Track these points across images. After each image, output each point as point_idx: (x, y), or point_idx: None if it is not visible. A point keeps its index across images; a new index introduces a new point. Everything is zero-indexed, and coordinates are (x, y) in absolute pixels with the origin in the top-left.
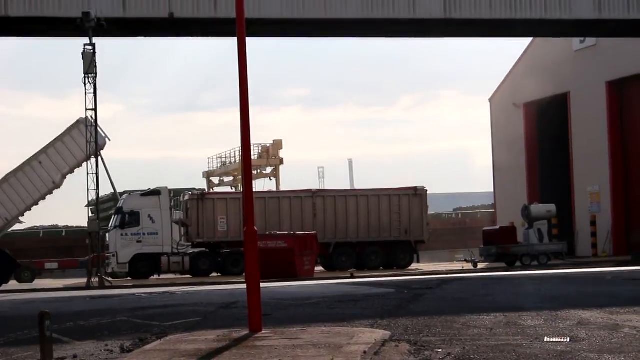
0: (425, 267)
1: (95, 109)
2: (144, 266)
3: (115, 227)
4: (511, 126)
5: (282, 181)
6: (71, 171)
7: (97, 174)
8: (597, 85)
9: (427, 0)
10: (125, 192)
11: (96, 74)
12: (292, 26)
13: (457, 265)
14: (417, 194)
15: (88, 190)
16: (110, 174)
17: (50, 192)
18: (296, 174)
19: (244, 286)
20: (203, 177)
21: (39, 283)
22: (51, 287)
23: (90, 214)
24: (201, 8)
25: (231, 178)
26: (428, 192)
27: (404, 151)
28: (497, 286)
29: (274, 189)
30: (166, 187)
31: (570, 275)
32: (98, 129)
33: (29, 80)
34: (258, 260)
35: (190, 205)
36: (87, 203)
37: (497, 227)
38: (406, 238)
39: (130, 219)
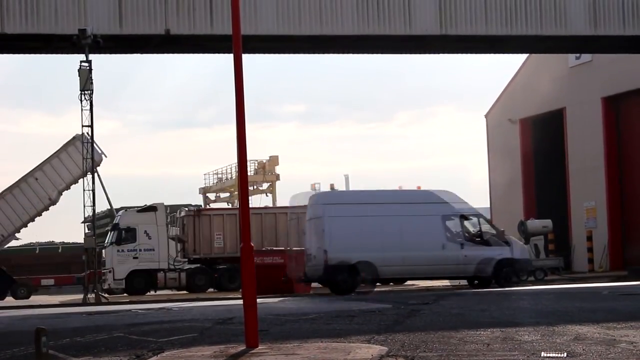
0: (422, 283)
1: (91, 126)
2: (141, 282)
3: (111, 243)
4: (507, 142)
5: (278, 197)
6: (67, 187)
7: (93, 190)
8: (593, 101)
9: (422, 16)
10: (121, 208)
11: (92, 90)
12: (288, 42)
13: (454, 281)
14: None
15: (84, 206)
16: (107, 190)
17: (47, 209)
18: (292, 190)
19: (241, 302)
20: (199, 193)
21: (35, 299)
22: (47, 303)
23: (87, 230)
24: (197, 24)
25: (227, 194)
26: None
27: (400, 167)
28: (494, 301)
29: (271, 205)
30: (162, 203)
31: (567, 291)
32: (94, 145)
33: (25, 97)
34: (254, 276)
35: (187, 221)
36: (83, 219)
37: None
38: None
39: (126, 235)
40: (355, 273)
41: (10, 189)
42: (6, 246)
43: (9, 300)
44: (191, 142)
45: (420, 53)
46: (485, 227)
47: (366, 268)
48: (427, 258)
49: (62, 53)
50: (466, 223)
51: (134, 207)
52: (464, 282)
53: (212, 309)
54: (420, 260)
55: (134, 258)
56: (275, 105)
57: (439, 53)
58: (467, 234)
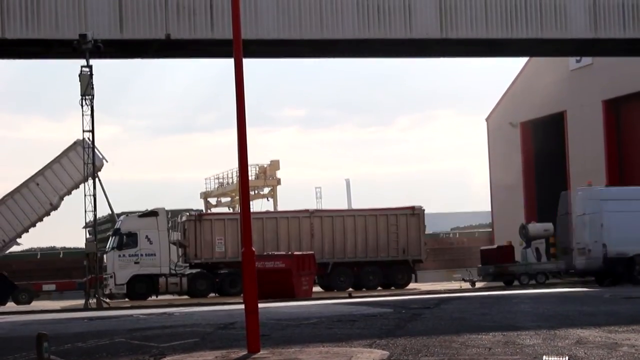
0: (423, 287)
1: (92, 131)
2: (142, 287)
3: (112, 248)
4: (508, 145)
5: (279, 201)
6: (68, 193)
7: (94, 195)
8: (594, 104)
9: (423, 20)
10: (122, 213)
11: (93, 95)
12: (288, 47)
13: (455, 285)
14: (415, 214)
15: (85, 211)
16: (108, 195)
17: (48, 214)
18: (293, 194)
19: (242, 307)
20: (200, 197)
21: (36, 305)
22: (49, 308)
23: (88, 236)
24: (198, 29)
25: (229, 199)
26: (425, 212)
27: (401, 171)
28: (495, 305)
29: (272, 210)
30: (164, 208)
31: (568, 294)
32: (95, 150)
33: (26, 103)
34: (256, 281)
35: (188, 226)
36: (84, 224)
37: (494, 246)
38: (404, 257)
39: (127, 240)
40: (632, 265)
41: (11, 194)
42: (7, 251)
43: (11, 306)
44: (192, 146)
45: (420, 57)
46: None
47: None
48: None
49: (62, 58)
50: None
51: (135, 212)
52: (466, 285)
53: (213, 313)
54: None
55: (136, 263)
56: (276, 110)
57: (439, 56)
58: None
